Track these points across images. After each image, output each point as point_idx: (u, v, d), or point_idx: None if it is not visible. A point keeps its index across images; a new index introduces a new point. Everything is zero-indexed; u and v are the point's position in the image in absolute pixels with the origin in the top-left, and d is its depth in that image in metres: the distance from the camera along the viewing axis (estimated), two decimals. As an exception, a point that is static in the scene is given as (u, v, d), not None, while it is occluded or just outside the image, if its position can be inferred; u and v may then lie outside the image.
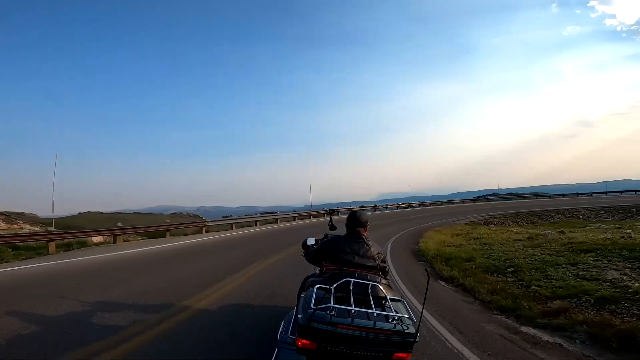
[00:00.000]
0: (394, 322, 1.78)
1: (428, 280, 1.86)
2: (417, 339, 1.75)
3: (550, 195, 48.01)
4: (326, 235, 3.20)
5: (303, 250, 3.17)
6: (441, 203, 41.75)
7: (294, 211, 26.12)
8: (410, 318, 1.86)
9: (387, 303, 2.02)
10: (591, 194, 45.87)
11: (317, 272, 2.81)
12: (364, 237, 2.54)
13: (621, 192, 43.72)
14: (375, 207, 33.04)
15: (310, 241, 3.23)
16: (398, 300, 2.08)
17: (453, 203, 42.25)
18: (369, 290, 2.08)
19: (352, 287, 2.04)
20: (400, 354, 1.75)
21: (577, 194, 47.78)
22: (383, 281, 2.32)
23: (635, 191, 41.88)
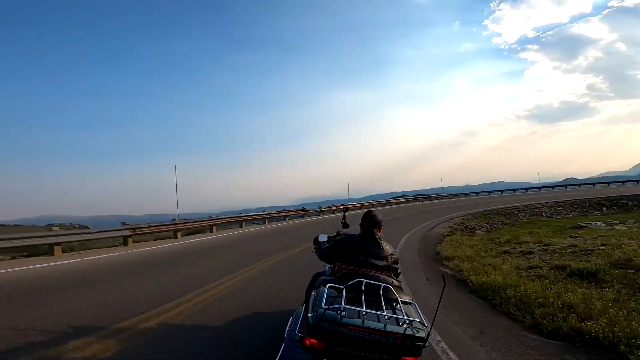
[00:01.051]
0: (405, 325, 1.75)
1: (444, 285, 1.87)
2: (427, 343, 1.72)
3: (465, 194, 49.62)
4: (339, 233, 3.18)
5: (314, 246, 3.13)
6: (373, 205, 40.09)
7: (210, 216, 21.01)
8: (421, 322, 1.80)
9: (398, 305, 1.97)
10: (513, 190, 48.35)
11: (327, 269, 2.84)
12: (378, 237, 2.50)
13: (501, 191, 48.12)
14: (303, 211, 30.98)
15: (323, 237, 3.18)
16: (409, 303, 2.03)
17: (386, 204, 39.31)
18: (381, 292, 2.00)
19: (363, 288, 1.99)
20: (408, 358, 1.73)
21: (500, 191, 48.62)
22: (395, 283, 2.26)
23: (539, 188, 47.14)
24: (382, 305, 1.88)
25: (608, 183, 41.76)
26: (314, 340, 1.76)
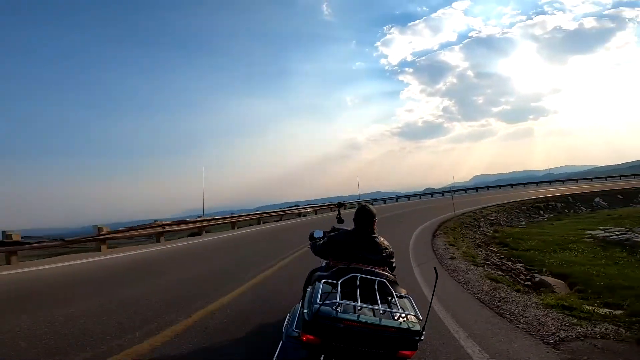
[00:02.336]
0: (400, 319, 1.76)
1: (436, 277, 1.88)
2: (423, 337, 1.73)
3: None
4: (334, 228, 3.20)
5: (310, 242, 3.11)
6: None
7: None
8: (416, 316, 1.81)
9: (394, 300, 1.95)
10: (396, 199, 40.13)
11: (324, 264, 2.80)
12: (372, 232, 2.52)
13: (385, 200, 41.66)
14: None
15: (318, 234, 3.20)
16: (405, 297, 2.02)
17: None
18: (376, 286, 2.02)
19: (358, 283, 2.00)
20: (404, 352, 1.73)
21: (384, 200, 39.82)
22: (390, 277, 2.26)
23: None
24: (377, 300, 1.90)
25: (500, 187, 42.55)
26: (310, 336, 1.76)
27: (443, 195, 35.36)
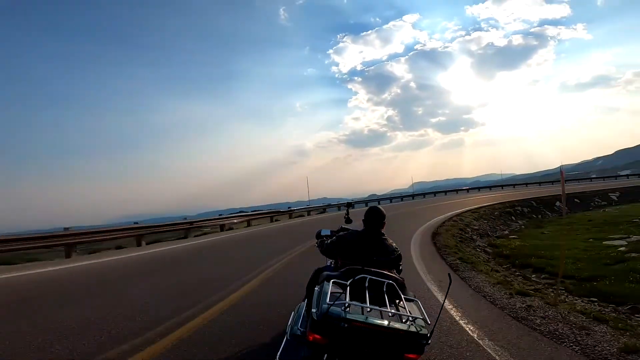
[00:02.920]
0: (408, 322, 1.73)
1: (450, 282, 1.91)
2: (430, 341, 1.72)
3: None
4: (342, 228, 3.18)
5: (317, 240, 3.07)
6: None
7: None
8: (424, 319, 1.79)
9: (402, 302, 1.95)
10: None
11: (330, 264, 2.88)
12: (381, 233, 2.50)
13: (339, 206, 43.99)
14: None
15: (325, 232, 3.14)
16: (413, 300, 2.01)
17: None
18: (384, 289, 1.99)
19: (367, 284, 1.98)
20: (411, 355, 1.72)
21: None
22: (399, 280, 2.20)
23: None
24: (385, 302, 1.89)
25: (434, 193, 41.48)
26: (317, 336, 1.73)
27: (402, 200, 33.94)
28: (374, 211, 2.52)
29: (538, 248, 10.11)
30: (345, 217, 3.56)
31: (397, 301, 1.99)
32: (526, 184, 47.35)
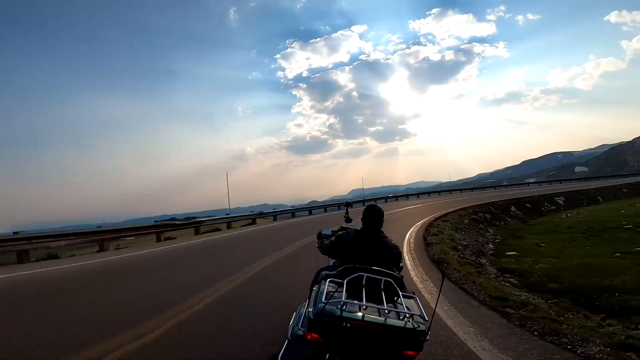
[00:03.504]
0: (405, 319, 1.71)
1: (443, 278, 2.01)
2: (428, 337, 1.70)
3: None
4: (342, 227, 3.18)
5: (318, 241, 3.06)
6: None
7: None
8: (421, 316, 1.76)
9: (400, 299, 1.93)
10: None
11: (332, 263, 2.82)
12: (380, 231, 2.51)
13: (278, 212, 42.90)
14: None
15: (326, 232, 3.17)
16: (410, 297, 1.98)
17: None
18: (382, 286, 1.95)
19: (364, 282, 1.94)
20: (409, 352, 1.70)
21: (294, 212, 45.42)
22: (396, 277, 2.14)
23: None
24: (382, 299, 1.86)
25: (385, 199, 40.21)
26: (315, 335, 1.73)
27: (351, 206, 30.51)
28: (373, 209, 2.56)
29: (572, 271, 7.37)
30: (345, 217, 3.61)
31: (395, 298, 1.96)
32: (461, 190, 48.25)
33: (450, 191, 47.04)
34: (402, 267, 2.53)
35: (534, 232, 14.98)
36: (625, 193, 30.63)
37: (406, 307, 1.82)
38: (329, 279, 2.01)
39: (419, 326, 1.68)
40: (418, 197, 40.95)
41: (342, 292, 1.81)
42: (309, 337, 1.75)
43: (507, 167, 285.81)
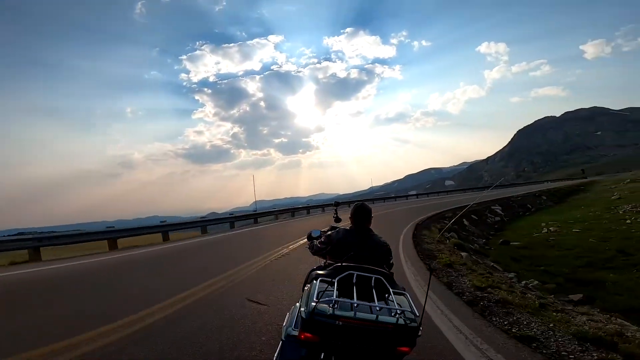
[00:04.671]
0: (397, 315, 1.71)
1: (431, 274, 2.18)
2: (420, 332, 1.71)
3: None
4: (332, 227, 3.14)
5: (308, 242, 3.05)
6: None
7: None
8: (412, 312, 1.77)
9: (391, 296, 1.93)
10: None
11: (323, 264, 2.74)
12: (370, 229, 2.56)
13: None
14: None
15: (316, 233, 3.10)
16: (401, 294, 1.99)
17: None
18: (372, 283, 2.00)
19: (355, 280, 1.99)
20: (403, 348, 1.70)
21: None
22: (387, 274, 2.22)
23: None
24: (374, 297, 1.87)
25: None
26: (308, 334, 1.73)
27: (276, 218, 24.27)
28: (361, 208, 2.57)
29: None
30: (334, 217, 3.56)
31: (386, 295, 1.96)
32: (384, 199, 47.00)
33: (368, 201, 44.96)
34: (392, 264, 2.56)
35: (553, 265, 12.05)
36: (546, 200, 32.22)
37: (397, 303, 1.84)
38: (319, 279, 2.02)
39: (410, 322, 1.69)
40: (324, 210, 36.70)
41: (333, 290, 1.83)
42: (302, 336, 1.74)
43: (394, 181, 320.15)
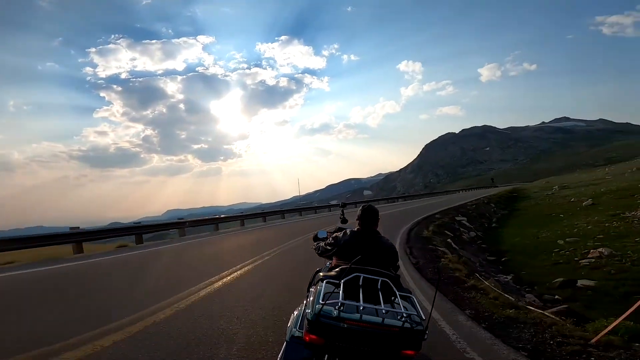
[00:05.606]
0: (403, 319, 1.71)
1: (439, 277, 2.31)
2: (426, 336, 1.69)
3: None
4: (339, 228, 3.13)
5: (314, 243, 3.02)
6: None
7: None
8: (418, 315, 1.75)
9: (397, 299, 1.93)
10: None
11: (328, 265, 2.78)
12: (377, 232, 2.53)
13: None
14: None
15: (322, 234, 3.13)
16: (407, 297, 2.01)
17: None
18: (379, 286, 1.98)
19: (361, 283, 1.98)
20: (408, 352, 1.69)
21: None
22: (393, 276, 2.16)
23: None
24: (380, 299, 1.86)
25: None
26: (313, 336, 1.72)
27: (216, 230, 18.44)
28: (369, 210, 2.55)
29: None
30: (340, 218, 3.63)
31: (393, 298, 1.96)
32: (300, 213, 42.93)
33: (301, 211, 39.03)
34: (398, 267, 2.56)
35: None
36: (494, 207, 30.34)
37: (403, 306, 1.84)
38: (325, 280, 2.03)
39: (416, 326, 1.69)
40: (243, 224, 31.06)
41: (339, 292, 1.82)
42: (307, 338, 1.74)
43: (316, 191, 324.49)
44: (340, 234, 2.57)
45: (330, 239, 2.64)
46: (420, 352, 1.72)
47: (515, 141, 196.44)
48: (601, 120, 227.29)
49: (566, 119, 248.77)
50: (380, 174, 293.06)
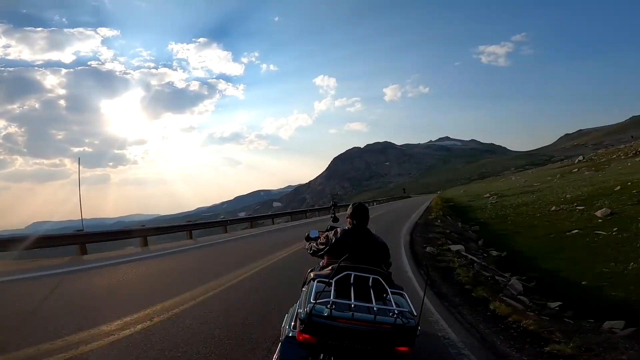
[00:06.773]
0: (395, 315, 1.72)
1: (428, 273, 2.15)
2: (419, 332, 1.70)
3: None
4: (330, 227, 3.18)
5: (306, 243, 3.08)
6: None
7: None
8: (410, 311, 1.80)
9: (388, 296, 1.95)
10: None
11: (320, 264, 2.79)
12: (368, 229, 2.57)
13: None
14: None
15: (314, 234, 3.16)
16: (399, 293, 2.02)
17: None
18: (370, 283, 2.00)
19: (352, 280, 1.99)
20: (401, 348, 1.70)
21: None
22: (384, 273, 2.20)
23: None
24: (371, 297, 1.87)
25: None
26: (306, 336, 1.72)
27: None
28: (359, 208, 2.59)
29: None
30: (331, 217, 3.73)
31: (384, 295, 1.97)
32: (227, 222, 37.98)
33: (226, 224, 29.60)
34: (390, 264, 2.61)
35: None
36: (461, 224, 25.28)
37: (395, 303, 1.86)
38: (317, 279, 2.04)
39: (408, 322, 1.70)
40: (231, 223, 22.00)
41: (330, 291, 1.83)
42: (300, 338, 1.74)
43: (223, 202, 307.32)
44: (331, 233, 2.61)
45: (322, 238, 2.69)
46: (413, 349, 1.71)
47: (409, 157, 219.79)
48: (473, 141, 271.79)
49: (448, 138, 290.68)
50: (290, 186, 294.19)
